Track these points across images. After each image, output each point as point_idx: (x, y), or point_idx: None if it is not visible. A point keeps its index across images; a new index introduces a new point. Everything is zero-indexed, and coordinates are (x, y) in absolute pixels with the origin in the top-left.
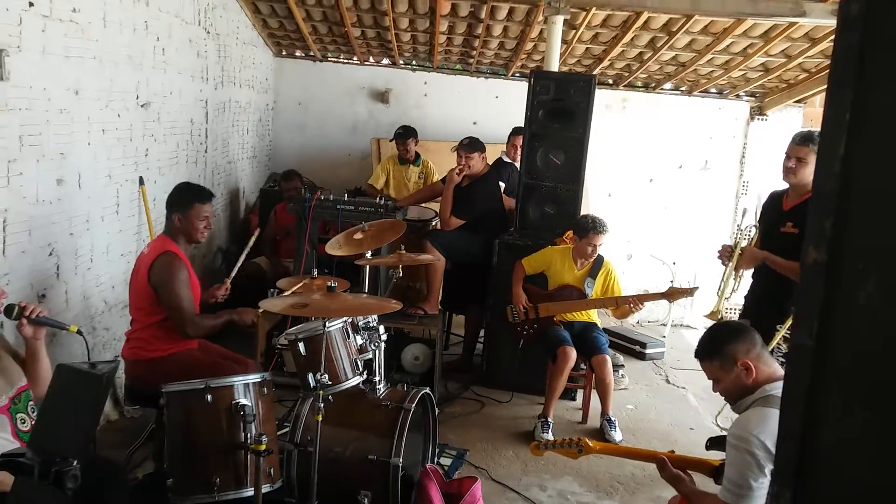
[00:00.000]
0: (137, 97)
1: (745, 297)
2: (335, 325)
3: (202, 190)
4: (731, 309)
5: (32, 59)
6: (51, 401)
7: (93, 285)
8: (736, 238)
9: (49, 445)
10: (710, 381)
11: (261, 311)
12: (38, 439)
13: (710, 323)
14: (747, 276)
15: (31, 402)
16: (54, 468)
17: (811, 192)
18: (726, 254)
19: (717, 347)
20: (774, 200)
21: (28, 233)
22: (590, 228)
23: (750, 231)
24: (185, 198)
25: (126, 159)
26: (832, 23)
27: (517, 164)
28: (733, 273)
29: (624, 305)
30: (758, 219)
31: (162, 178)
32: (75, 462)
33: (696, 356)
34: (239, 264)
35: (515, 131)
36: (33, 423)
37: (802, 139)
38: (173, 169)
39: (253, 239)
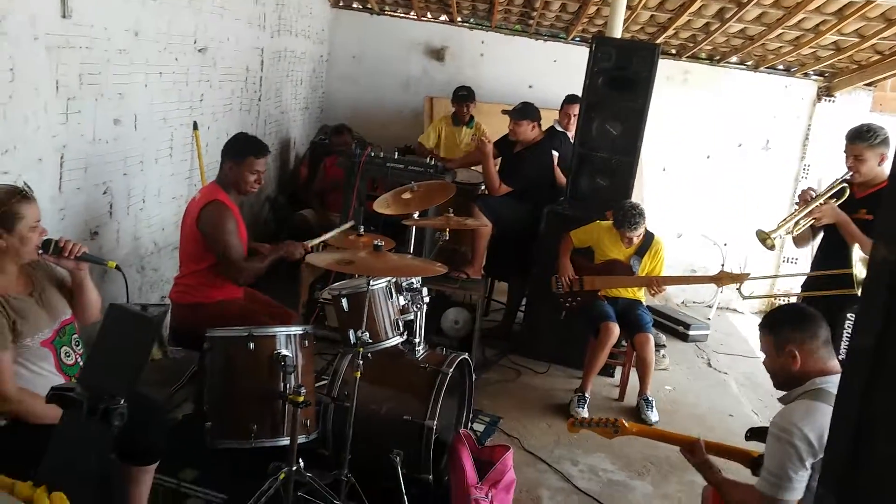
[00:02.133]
0: (195, 41)
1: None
2: (379, 284)
3: (259, 144)
4: (782, 245)
5: None
6: (102, 339)
7: (144, 226)
8: (824, 189)
9: (98, 382)
10: (752, 370)
11: (310, 245)
12: (88, 376)
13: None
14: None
15: (75, 335)
16: (102, 405)
17: (887, 183)
18: (806, 197)
19: (776, 326)
20: (850, 192)
21: (84, 170)
22: (620, 224)
23: (840, 188)
24: (241, 149)
25: (181, 103)
26: None
27: (570, 135)
28: (804, 217)
29: (651, 285)
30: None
31: (216, 124)
32: (122, 401)
33: (758, 325)
34: (325, 237)
35: (569, 99)
36: (78, 356)
37: (854, 136)
38: (227, 116)
39: (344, 227)
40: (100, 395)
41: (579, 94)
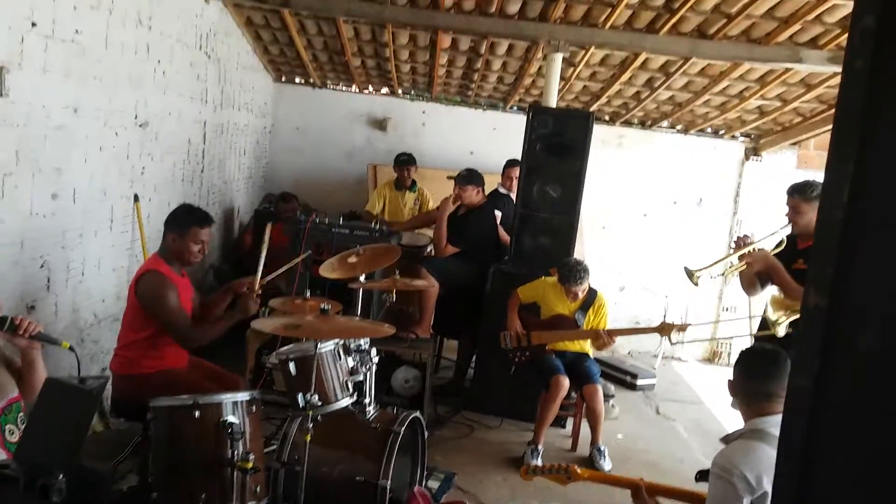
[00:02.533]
0: (136, 116)
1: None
2: (327, 347)
3: (201, 214)
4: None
5: (33, 77)
6: (39, 414)
7: (83, 298)
8: (758, 239)
9: (35, 458)
10: (699, 416)
11: (257, 284)
12: (25, 451)
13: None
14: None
15: (21, 414)
16: (40, 481)
17: (814, 234)
18: (740, 243)
19: (736, 367)
20: (790, 242)
21: (20, 245)
22: (565, 279)
23: (774, 242)
24: (183, 220)
25: (122, 176)
26: (828, 69)
27: (512, 196)
28: (734, 262)
29: (600, 339)
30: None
31: (157, 196)
32: (61, 476)
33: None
34: (260, 266)
35: (510, 163)
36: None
37: (793, 190)
38: (169, 187)
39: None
40: (37, 470)
41: (519, 159)
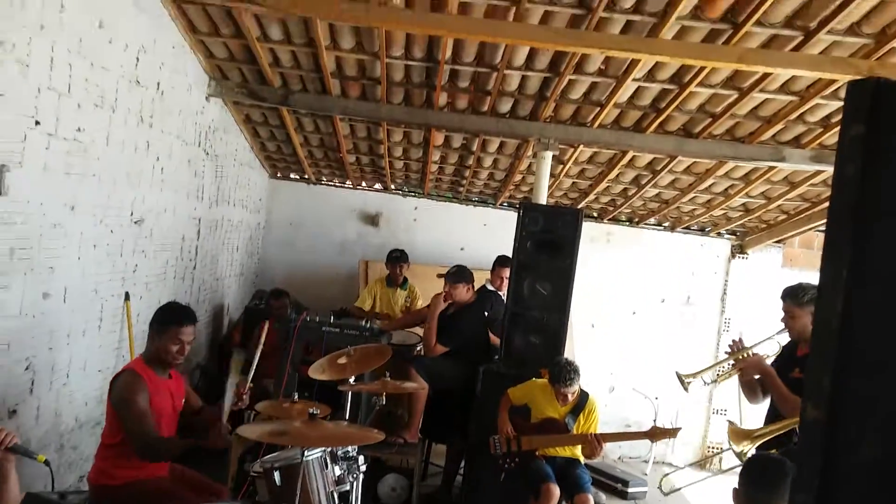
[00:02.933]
0: (132, 213)
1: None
2: (314, 455)
3: (183, 312)
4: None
5: (33, 176)
6: None
7: (66, 402)
8: (753, 343)
9: None
10: None
11: (225, 417)
12: None
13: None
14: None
15: None
16: None
17: (810, 345)
18: (735, 347)
19: (742, 477)
20: (789, 348)
21: (7, 346)
22: (555, 380)
23: (771, 348)
24: (164, 318)
25: (114, 274)
26: (811, 168)
27: (501, 294)
28: (728, 366)
29: (589, 446)
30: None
31: (148, 293)
32: None
33: None
34: (253, 367)
35: (500, 262)
36: None
37: (784, 295)
38: (160, 285)
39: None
40: None
41: (509, 255)
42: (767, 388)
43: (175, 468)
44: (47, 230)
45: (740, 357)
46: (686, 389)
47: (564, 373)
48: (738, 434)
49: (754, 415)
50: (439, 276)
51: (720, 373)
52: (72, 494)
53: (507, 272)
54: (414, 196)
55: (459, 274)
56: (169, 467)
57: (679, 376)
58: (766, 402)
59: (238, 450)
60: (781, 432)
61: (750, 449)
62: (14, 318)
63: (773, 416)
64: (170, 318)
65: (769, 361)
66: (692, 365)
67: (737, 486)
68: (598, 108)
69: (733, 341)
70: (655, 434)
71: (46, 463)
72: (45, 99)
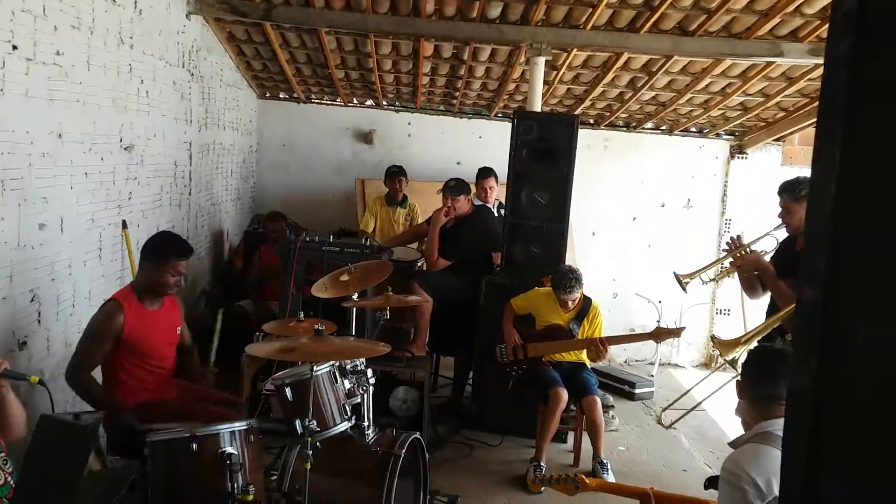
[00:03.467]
0: (121, 140)
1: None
2: (323, 369)
3: (180, 244)
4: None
5: (15, 103)
6: (34, 454)
7: (75, 332)
8: (751, 240)
9: (34, 501)
10: (700, 423)
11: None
12: (22, 495)
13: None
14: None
15: (2, 454)
16: None
17: (804, 231)
18: (733, 244)
19: (745, 368)
20: (787, 243)
21: (9, 278)
22: (557, 287)
23: (768, 244)
24: (161, 250)
25: (109, 203)
26: (809, 62)
27: (489, 206)
28: (726, 264)
29: (594, 350)
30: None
31: (145, 221)
32: None
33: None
34: (214, 349)
35: (482, 174)
36: (8, 475)
37: (781, 190)
38: (157, 212)
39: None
40: None
41: (497, 167)
42: (766, 284)
43: (182, 386)
44: (37, 159)
45: (739, 255)
46: (685, 290)
47: (566, 280)
48: (725, 345)
49: (757, 310)
50: (439, 192)
51: (719, 271)
52: (86, 414)
53: (490, 182)
54: (407, 111)
55: (459, 186)
56: (175, 387)
57: (677, 277)
58: (767, 298)
59: (250, 371)
60: (766, 332)
61: (741, 354)
62: (13, 250)
63: (772, 312)
64: (169, 249)
65: (767, 258)
66: (694, 268)
67: (739, 378)
68: (591, 9)
69: (732, 238)
70: (660, 334)
71: (41, 383)
72: (21, 22)
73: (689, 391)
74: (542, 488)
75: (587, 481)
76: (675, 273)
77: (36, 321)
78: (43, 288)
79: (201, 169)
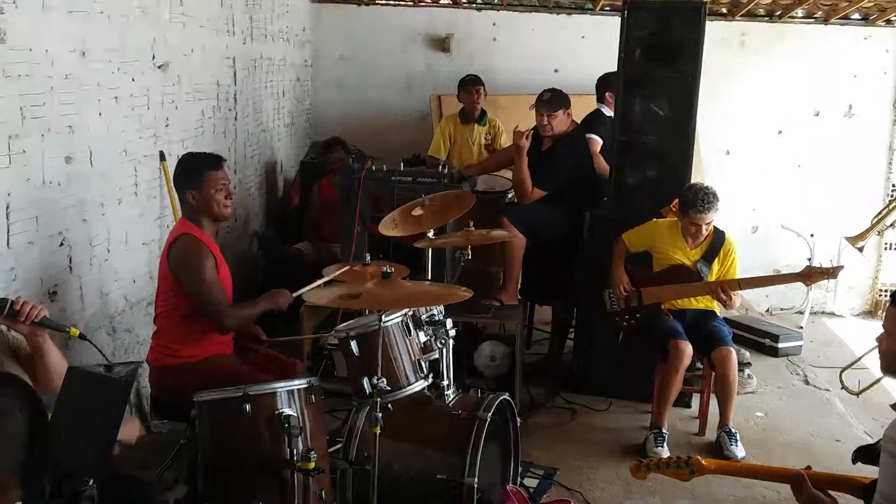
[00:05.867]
0: (154, 57)
1: None
2: (393, 320)
3: (208, 155)
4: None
5: (31, 17)
6: (62, 409)
7: (111, 280)
8: None
9: (62, 461)
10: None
11: (296, 295)
12: (48, 454)
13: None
14: None
15: None
16: (68, 488)
17: None
18: None
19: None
20: None
21: (35, 220)
22: (690, 205)
23: None
24: (193, 169)
25: (143, 131)
26: None
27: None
28: None
29: (727, 295)
30: None
31: (186, 151)
32: (91, 481)
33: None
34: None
35: (605, 81)
36: None
37: None
38: (198, 140)
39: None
40: (64, 476)
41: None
42: None
43: (240, 345)
44: (59, 82)
45: None
46: (861, 252)
47: (701, 196)
48: (854, 238)
49: None
50: (531, 107)
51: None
52: (119, 365)
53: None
54: (491, 8)
55: (557, 98)
56: (233, 344)
57: (849, 240)
58: None
59: (310, 324)
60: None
61: (867, 240)
62: (38, 188)
63: None
64: (199, 165)
65: None
66: (857, 195)
67: (890, 306)
68: None
69: None
70: (811, 275)
71: (82, 336)
72: None
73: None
74: (649, 474)
75: (704, 464)
76: (844, 237)
77: (67, 268)
78: (73, 230)
79: (248, 89)
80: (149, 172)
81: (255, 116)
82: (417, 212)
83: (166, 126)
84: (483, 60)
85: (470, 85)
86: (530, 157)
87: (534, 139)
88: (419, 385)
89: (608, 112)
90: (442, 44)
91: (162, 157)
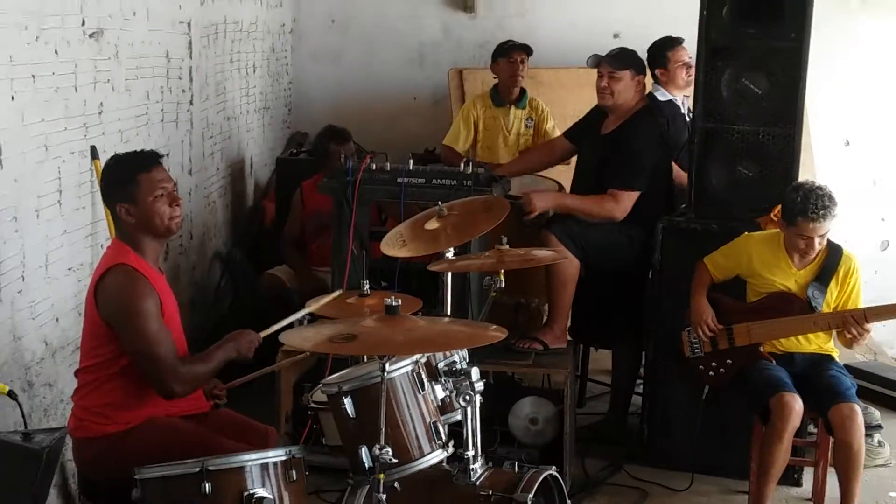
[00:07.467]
0: (83, 23)
1: None
2: (401, 369)
3: (139, 155)
4: None
5: None
6: None
7: (26, 317)
8: None
9: None
10: None
11: (264, 335)
12: None
13: None
14: None
15: None
16: None
17: None
18: None
19: None
20: None
21: None
22: (798, 212)
23: None
24: (121, 176)
25: (70, 119)
26: None
27: (677, 102)
28: None
29: (850, 330)
30: None
31: (125, 146)
32: None
33: None
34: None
35: (671, 43)
36: None
37: None
38: (142, 132)
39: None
40: None
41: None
42: None
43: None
44: None
45: None
46: None
47: (813, 199)
48: None
49: None
50: (590, 61)
51: None
52: (41, 434)
53: (683, 56)
54: None
55: (625, 56)
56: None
57: None
58: None
59: (291, 376)
60: None
61: None
62: None
63: None
64: (129, 168)
65: None
66: None
67: None
68: None
69: None
70: None
71: (11, 394)
72: None
73: None
74: None
75: None
76: None
77: None
78: None
79: (208, 64)
80: (76, 174)
81: (216, 100)
82: (432, 225)
83: (99, 113)
84: (517, 23)
85: (508, 52)
86: (584, 148)
87: (590, 122)
88: (436, 457)
89: (664, 96)
90: (464, 2)
91: (94, 154)
